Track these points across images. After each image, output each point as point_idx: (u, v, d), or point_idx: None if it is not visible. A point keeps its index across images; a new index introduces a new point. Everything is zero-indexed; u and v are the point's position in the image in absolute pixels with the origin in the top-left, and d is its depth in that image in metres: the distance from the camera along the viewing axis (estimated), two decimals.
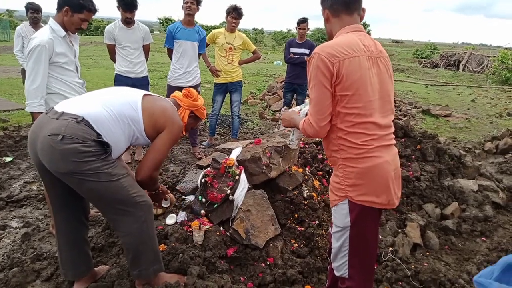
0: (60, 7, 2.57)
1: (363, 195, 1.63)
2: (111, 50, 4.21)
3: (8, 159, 4.33)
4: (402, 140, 4.18)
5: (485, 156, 5.51)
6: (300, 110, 2.37)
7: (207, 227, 2.45)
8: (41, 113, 2.49)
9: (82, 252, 2.10)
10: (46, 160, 1.73)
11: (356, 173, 1.63)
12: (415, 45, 41.91)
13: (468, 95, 11.98)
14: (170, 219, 2.64)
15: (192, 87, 4.52)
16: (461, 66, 20.47)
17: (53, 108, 1.84)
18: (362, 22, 1.79)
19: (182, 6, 4.33)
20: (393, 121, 1.77)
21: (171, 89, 4.58)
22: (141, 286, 2.02)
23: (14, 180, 3.86)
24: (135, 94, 1.98)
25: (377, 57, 1.68)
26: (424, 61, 24.13)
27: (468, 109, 9.57)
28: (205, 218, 2.61)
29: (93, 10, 2.63)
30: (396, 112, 7.82)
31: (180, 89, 4.48)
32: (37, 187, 3.70)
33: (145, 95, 2.00)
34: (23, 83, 5.06)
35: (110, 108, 1.85)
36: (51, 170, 1.75)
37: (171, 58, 4.57)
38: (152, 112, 1.93)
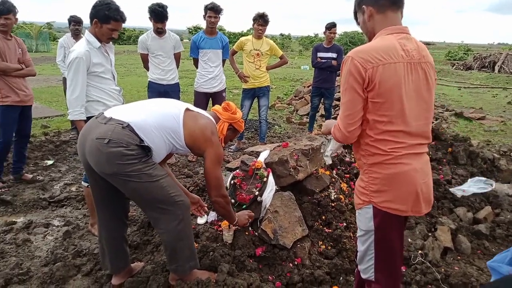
0: (91, 20, 2.74)
1: (387, 202, 1.61)
2: (145, 59, 4.42)
3: (50, 162, 4.61)
4: (433, 143, 4.11)
5: None
6: (328, 140, 2.42)
7: (236, 226, 2.53)
8: (82, 120, 2.68)
9: (121, 248, 2.24)
10: (93, 161, 1.87)
11: (381, 179, 1.61)
12: (447, 47, 40.64)
13: (504, 97, 11.50)
14: (201, 219, 2.74)
15: (218, 92, 4.68)
16: (496, 68, 19.66)
17: (103, 113, 1.99)
18: None
19: (204, 17, 4.50)
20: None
21: (197, 95, 4.75)
22: (175, 281, 2.12)
23: (55, 182, 4.11)
24: (178, 107, 2.09)
25: (418, 62, 1.59)
26: (457, 63, 23.36)
27: (504, 111, 9.20)
28: None
29: (120, 19, 2.73)
30: None
31: (206, 94, 4.69)
32: (76, 189, 3.93)
33: (187, 109, 2.11)
34: (64, 90, 5.39)
35: (154, 117, 1.98)
36: (97, 170, 1.90)
37: (197, 67, 4.75)
38: (193, 130, 2.04)
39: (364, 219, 1.71)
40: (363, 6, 1.66)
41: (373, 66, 1.51)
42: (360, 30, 1.86)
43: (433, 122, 6.80)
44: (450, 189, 3.45)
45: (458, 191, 3.37)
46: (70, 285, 2.40)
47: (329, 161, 2.72)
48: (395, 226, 1.69)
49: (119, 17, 2.72)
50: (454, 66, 22.40)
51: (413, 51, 1.60)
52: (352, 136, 1.62)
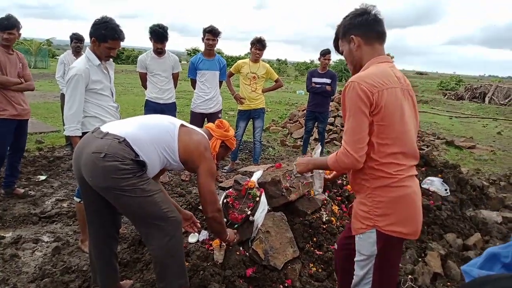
0: (90, 38, 2.80)
1: (392, 225, 1.63)
2: (143, 78, 4.51)
3: (42, 177, 4.59)
4: (423, 169, 4.19)
5: (511, 189, 5.37)
6: (314, 153, 2.48)
7: (227, 243, 2.53)
8: (77, 136, 2.71)
9: (111, 264, 2.22)
10: (88, 175, 1.89)
11: (386, 202, 1.63)
12: (439, 77, 41.64)
13: (494, 127, 11.75)
14: (192, 238, 2.74)
15: (214, 113, 4.75)
16: (486, 99, 20.14)
17: (99, 128, 2.03)
18: (386, 53, 1.79)
19: (203, 39, 4.64)
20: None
21: (194, 115, 4.81)
22: None
23: (47, 197, 4.08)
24: (173, 123, 2.14)
25: (406, 89, 1.70)
26: (449, 93, 23.90)
27: (494, 141, 9.38)
28: None
29: (118, 38, 2.77)
30: (418, 143, 7.77)
31: (202, 115, 4.75)
32: (68, 205, 3.90)
33: (181, 125, 2.16)
34: (62, 106, 5.42)
35: (149, 132, 2.02)
36: (91, 184, 1.91)
37: (194, 87, 4.84)
38: (187, 145, 2.08)
39: (367, 244, 1.70)
40: (351, 36, 1.71)
41: (378, 90, 1.57)
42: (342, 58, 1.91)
43: (424, 149, 6.91)
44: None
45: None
46: None
47: (322, 196, 2.80)
48: (397, 250, 1.73)
49: (117, 35, 2.76)
50: (446, 96, 22.90)
51: (401, 78, 1.70)
52: (362, 160, 1.61)
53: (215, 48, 4.77)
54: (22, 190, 4.03)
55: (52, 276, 2.57)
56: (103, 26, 2.71)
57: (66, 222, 3.54)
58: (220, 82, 4.89)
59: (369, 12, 1.70)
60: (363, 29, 1.69)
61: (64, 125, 2.82)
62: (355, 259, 1.81)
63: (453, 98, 22.07)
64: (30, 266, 2.78)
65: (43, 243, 3.13)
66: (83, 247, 2.96)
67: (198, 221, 2.75)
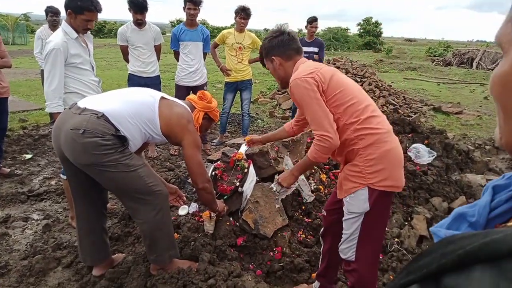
0: (65, 10, 2.69)
1: (384, 181, 1.70)
2: (124, 51, 4.37)
3: (28, 156, 4.52)
4: (410, 135, 4.23)
5: (496, 152, 5.49)
6: (286, 165, 2.55)
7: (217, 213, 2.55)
8: (60, 113, 2.64)
9: (100, 239, 2.24)
10: (69, 152, 1.86)
11: (376, 158, 1.70)
12: (428, 43, 41.44)
13: (481, 92, 11.85)
14: (183, 210, 2.76)
15: (199, 86, 4.65)
16: (474, 64, 20.19)
17: (76, 103, 1.97)
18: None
19: (184, 9, 4.47)
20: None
21: (178, 88, 4.72)
22: (156, 271, 2.14)
23: (34, 176, 4.04)
24: (153, 96, 2.09)
25: (335, 70, 1.90)
26: (437, 59, 23.85)
27: (480, 106, 9.48)
28: None
29: (95, 9, 2.68)
30: (406, 110, 7.81)
31: (187, 88, 4.66)
32: (56, 183, 3.87)
33: (162, 98, 2.11)
34: (42, 83, 5.26)
35: (129, 106, 1.97)
36: (73, 161, 1.88)
37: (177, 59, 4.71)
38: (169, 118, 2.04)
39: (358, 202, 1.76)
40: (272, 57, 1.94)
41: (315, 73, 1.76)
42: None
43: (412, 116, 6.94)
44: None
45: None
46: (50, 277, 2.38)
47: (312, 198, 2.90)
48: (388, 204, 1.83)
49: (93, 7, 2.66)
50: (434, 62, 22.88)
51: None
52: (337, 135, 1.73)
53: (199, 19, 4.62)
54: (8, 170, 3.97)
55: (44, 253, 2.58)
56: None
57: (55, 199, 3.53)
58: (204, 54, 4.76)
59: (283, 32, 1.93)
60: (282, 49, 1.92)
61: (46, 102, 2.74)
62: (343, 218, 1.86)
63: (441, 64, 22.06)
64: (21, 244, 2.78)
65: (33, 221, 3.12)
66: (73, 224, 2.96)
67: (184, 195, 2.75)
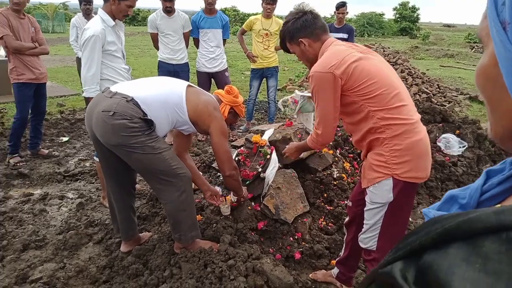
0: None
1: (409, 172, 1.67)
2: (154, 39, 4.48)
3: (65, 139, 4.78)
4: (440, 125, 4.10)
5: None
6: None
7: (232, 198, 2.60)
8: None
9: (129, 217, 2.37)
10: (99, 133, 1.98)
11: (403, 149, 1.66)
12: (468, 29, 39.32)
13: None
14: (224, 207, 2.82)
15: (219, 72, 4.70)
16: None
17: (109, 88, 2.09)
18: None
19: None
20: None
21: (200, 74, 4.79)
22: (179, 249, 2.24)
23: (70, 157, 4.27)
24: (181, 84, 2.18)
25: (367, 53, 1.80)
26: (476, 46, 22.64)
27: None
28: None
29: None
30: (440, 99, 7.53)
31: (208, 74, 4.72)
32: (90, 164, 4.08)
33: (189, 85, 2.19)
34: (78, 70, 5.50)
35: (157, 93, 2.07)
36: (103, 142, 2.00)
37: (197, 47, 4.77)
38: (196, 104, 2.12)
39: (382, 192, 1.74)
40: (300, 40, 1.86)
41: (336, 66, 1.69)
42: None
43: (446, 105, 6.68)
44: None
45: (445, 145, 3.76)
46: (82, 251, 2.55)
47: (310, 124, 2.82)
48: (412, 194, 1.81)
49: None
50: (473, 49, 21.74)
51: (359, 47, 1.85)
52: (332, 136, 1.88)
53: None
54: (47, 151, 4.23)
55: (77, 229, 2.76)
56: None
57: (88, 180, 3.73)
58: (224, 40, 4.79)
59: (305, 12, 1.86)
60: (308, 30, 1.84)
61: (83, 87, 2.87)
62: (365, 208, 1.85)
63: (480, 51, 20.93)
64: (57, 220, 2.98)
65: (68, 199, 3.33)
66: (105, 203, 3.13)
67: (222, 196, 2.72)
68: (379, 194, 1.76)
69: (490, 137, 0.45)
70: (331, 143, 3.45)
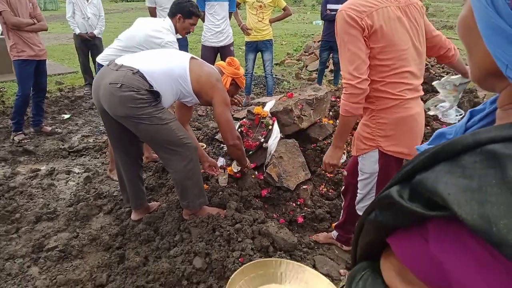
0: (173, 14, 2.90)
1: (394, 146, 1.71)
2: (153, 13, 4.44)
3: (66, 116, 4.82)
4: (438, 95, 4.15)
5: None
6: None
7: (234, 169, 2.69)
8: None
9: (137, 187, 2.46)
10: (107, 105, 2.03)
11: (389, 124, 1.69)
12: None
13: None
14: (222, 177, 2.91)
15: (225, 46, 4.69)
16: None
17: (114, 61, 2.13)
18: None
19: None
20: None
21: (205, 49, 4.77)
22: (188, 216, 2.34)
23: (73, 134, 4.33)
24: (184, 56, 2.24)
25: (405, 5, 1.66)
26: None
27: None
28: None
29: (200, 15, 3.01)
30: (438, 70, 7.54)
31: (214, 49, 4.71)
32: (93, 140, 4.15)
33: (192, 58, 2.24)
34: (76, 47, 5.47)
35: (162, 65, 2.12)
36: (111, 113, 2.06)
37: (203, 20, 4.73)
38: (199, 75, 2.17)
39: (369, 163, 1.81)
40: None
41: (367, 14, 1.57)
42: None
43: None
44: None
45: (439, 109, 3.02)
46: (93, 221, 2.65)
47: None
48: (397, 167, 1.82)
49: (200, 13, 3.02)
50: None
51: None
52: (367, 84, 1.61)
53: None
54: (50, 128, 4.28)
55: (86, 201, 2.85)
56: (189, 4, 2.90)
57: (93, 155, 3.80)
58: (230, 14, 4.75)
59: None
60: None
61: None
62: (358, 178, 1.92)
63: None
64: (66, 193, 3.07)
65: (75, 174, 3.41)
66: (111, 176, 3.22)
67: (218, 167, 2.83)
68: (367, 164, 1.83)
69: (472, 80, 0.51)
70: (330, 113, 3.52)
